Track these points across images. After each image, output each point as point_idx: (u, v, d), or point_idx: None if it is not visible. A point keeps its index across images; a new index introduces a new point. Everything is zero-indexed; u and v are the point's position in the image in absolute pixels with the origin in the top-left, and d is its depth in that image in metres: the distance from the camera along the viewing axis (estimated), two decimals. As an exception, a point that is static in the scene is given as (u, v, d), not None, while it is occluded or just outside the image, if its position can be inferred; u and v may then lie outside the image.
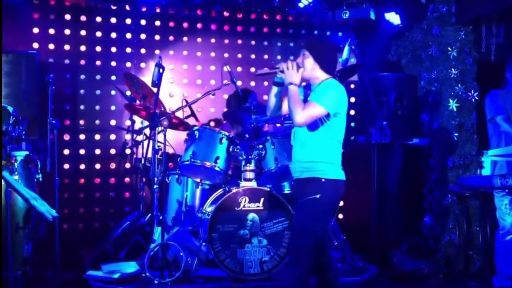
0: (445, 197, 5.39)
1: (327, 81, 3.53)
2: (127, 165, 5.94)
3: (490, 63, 5.60)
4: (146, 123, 5.36)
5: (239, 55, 6.38)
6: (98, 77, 5.92)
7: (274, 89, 3.68)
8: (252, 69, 6.34)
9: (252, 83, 6.27)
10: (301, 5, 5.77)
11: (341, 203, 6.43)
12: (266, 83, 6.24)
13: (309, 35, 6.49)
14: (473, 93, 5.47)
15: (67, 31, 5.82)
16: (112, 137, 5.95)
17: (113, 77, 5.94)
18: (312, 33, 6.49)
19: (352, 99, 6.62)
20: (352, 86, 6.57)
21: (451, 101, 5.44)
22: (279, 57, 6.43)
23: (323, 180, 3.41)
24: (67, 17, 5.82)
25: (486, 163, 5.27)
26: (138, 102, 5.33)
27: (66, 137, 5.79)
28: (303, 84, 3.65)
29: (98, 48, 5.91)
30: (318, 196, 3.36)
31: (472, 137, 5.47)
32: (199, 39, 6.23)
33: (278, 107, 3.73)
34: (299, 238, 3.40)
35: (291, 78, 3.45)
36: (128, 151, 5.91)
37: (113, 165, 5.93)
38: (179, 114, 5.42)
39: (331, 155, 3.47)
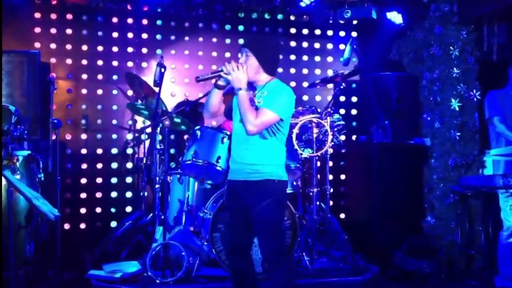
0: (447, 197, 5.37)
1: (273, 82, 3.39)
2: (129, 165, 5.94)
3: (492, 62, 5.59)
4: (147, 122, 5.36)
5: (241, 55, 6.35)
6: (99, 76, 5.93)
7: (216, 92, 3.43)
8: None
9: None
10: (302, 4, 5.75)
11: (342, 203, 6.43)
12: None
13: (310, 35, 6.49)
14: (475, 92, 5.46)
15: (68, 31, 5.83)
16: (114, 136, 5.95)
17: (115, 77, 5.95)
18: (313, 32, 6.49)
19: (354, 99, 6.62)
20: (354, 85, 6.57)
21: (453, 100, 5.42)
22: (280, 56, 6.40)
23: (276, 181, 3.32)
24: (69, 16, 5.83)
25: (488, 162, 5.27)
26: (139, 101, 5.33)
27: (68, 136, 5.80)
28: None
29: (100, 48, 5.92)
30: (274, 197, 3.30)
31: (474, 136, 5.46)
32: (200, 39, 6.23)
33: (217, 110, 3.51)
34: (271, 240, 3.32)
35: (239, 83, 3.25)
36: (129, 150, 5.91)
37: (114, 165, 5.93)
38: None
39: (279, 157, 3.38)
